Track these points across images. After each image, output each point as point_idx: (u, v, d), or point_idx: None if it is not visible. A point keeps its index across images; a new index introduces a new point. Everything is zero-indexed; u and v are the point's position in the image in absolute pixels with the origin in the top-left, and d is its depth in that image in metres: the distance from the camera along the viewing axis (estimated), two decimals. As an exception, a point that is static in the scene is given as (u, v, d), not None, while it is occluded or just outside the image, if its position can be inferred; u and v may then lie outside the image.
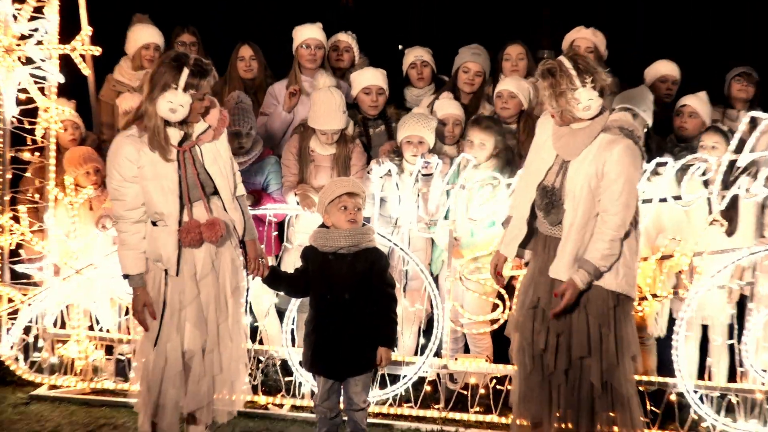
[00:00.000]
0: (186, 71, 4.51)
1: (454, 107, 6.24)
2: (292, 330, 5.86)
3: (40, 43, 6.03)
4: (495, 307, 5.86)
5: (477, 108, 6.54)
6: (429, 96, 6.60)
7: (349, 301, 4.77)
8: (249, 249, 4.89)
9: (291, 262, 5.85)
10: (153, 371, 4.76)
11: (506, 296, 5.78)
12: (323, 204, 4.83)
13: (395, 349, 5.71)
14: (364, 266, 4.76)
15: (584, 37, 6.62)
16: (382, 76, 6.37)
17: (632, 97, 5.89)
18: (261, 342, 6.00)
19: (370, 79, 6.36)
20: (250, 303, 5.79)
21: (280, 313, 6.06)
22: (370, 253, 4.84)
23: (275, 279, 4.95)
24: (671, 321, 5.85)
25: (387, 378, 5.85)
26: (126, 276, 4.74)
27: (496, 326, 5.85)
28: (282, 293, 5.51)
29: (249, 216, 4.92)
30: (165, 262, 4.66)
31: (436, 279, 6.00)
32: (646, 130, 5.81)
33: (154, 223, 4.69)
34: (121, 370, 6.25)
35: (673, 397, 5.72)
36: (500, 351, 5.50)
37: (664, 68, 6.69)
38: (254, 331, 5.93)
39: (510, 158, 5.93)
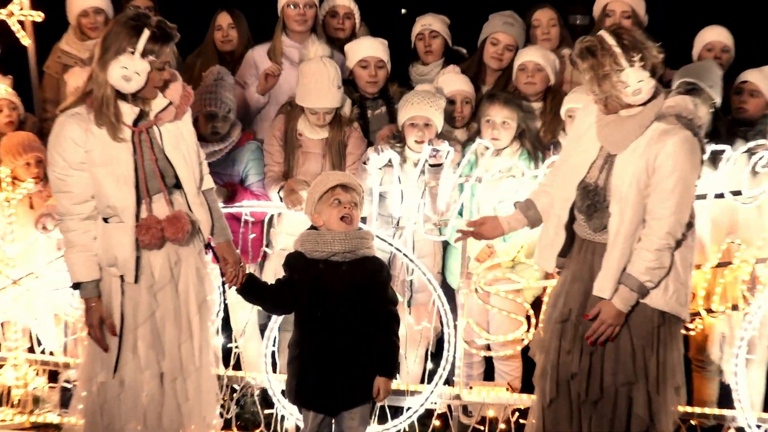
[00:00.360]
0: (146, 33, 4.27)
1: (462, 82, 5.83)
2: (273, 353, 5.44)
3: (-32, 8, 5.58)
4: (519, 324, 5.45)
5: (504, 89, 6.02)
6: (435, 74, 6.13)
7: (342, 318, 4.44)
8: (224, 253, 4.59)
9: (273, 271, 5.46)
10: (109, 402, 4.52)
11: (531, 313, 5.40)
12: (312, 200, 4.52)
13: (397, 376, 5.26)
14: (362, 278, 4.44)
15: (619, 0, 6.12)
16: (383, 47, 5.92)
17: (695, 71, 5.47)
18: (236, 367, 5.61)
19: (367, 49, 5.90)
20: (223, 320, 5.48)
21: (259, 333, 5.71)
22: (369, 263, 4.50)
23: (252, 290, 4.60)
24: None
25: (388, 411, 5.38)
26: (76, 285, 4.47)
27: (519, 347, 5.49)
28: (260, 308, 5.14)
29: (220, 214, 4.64)
30: (120, 266, 4.40)
31: (453, 293, 5.54)
32: (713, 110, 5.39)
33: (105, 220, 4.42)
34: (68, 401, 5.69)
35: (732, 433, 5.21)
36: (529, 378, 5.04)
37: (711, 34, 6.11)
38: (228, 354, 5.57)
39: (534, 142, 5.58)
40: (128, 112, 4.39)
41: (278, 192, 5.47)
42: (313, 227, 4.59)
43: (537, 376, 4.55)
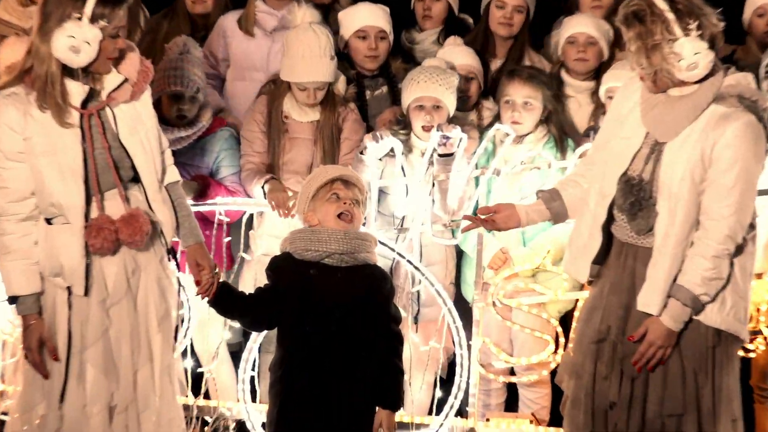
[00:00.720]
0: None
1: (466, 55, 5.56)
2: (252, 378, 5.15)
3: None
4: (545, 344, 5.22)
5: (517, 62, 5.77)
6: (431, 44, 5.91)
7: (335, 335, 4.21)
8: (196, 257, 4.38)
9: (252, 281, 5.10)
10: None
11: (560, 331, 5.19)
12: (306, 196, 4.32)
13: (402, 406, 4.75)
14: (361, 289, 4.24)
15: None
16: (384, 15, 5.63)
17: None
18: (207, 396, 5.33)
19: (366, 17, 5.61)
20: (192, 340, 5.24)
21: (235, 355, 5.42)
22: (370, 272, 4.31)
23: (228, 301, 4.36)
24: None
25: None
26: (13, 299, 4.28)
27: (546, 371, 5.27)
28: (236, 323, 4.91)
29: (188, 211, 4.43)
30: (67, 275, 4.19)
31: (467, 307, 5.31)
32: None
33: (48, 221, 4.21)
34: None
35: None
36: (558, 408, 4.80)
37: None
38: (198, 380, 5.29)
39: (563, 127, 5.40)
40: (76, 91, 4.18)
41: (262, 187, 5.18)
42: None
43: (567, 405, 4.34)
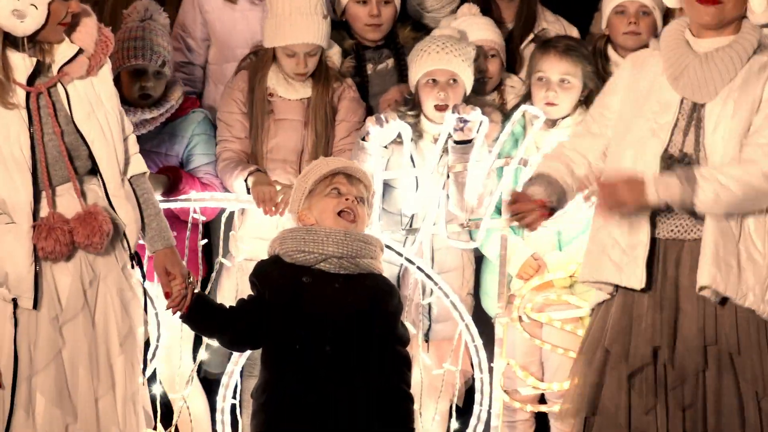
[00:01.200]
0: None
1: (485, 27, 5.30)
2: (233, 406, 4.81)
3: None
4: None
5: (530, 23, 5.46)
6: (449, 12, 5.54)
7: (331, 356, 3.95)
8: (166, 264, 4.15)
9: (232, 291, 4.88)
10: None
11: None
12: (301, 191, 4.13)
13: None
14: (363, 302, 4.01)
15: None
16: None
17: None
18: (178, 429, 4.98)
19: None
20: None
21: (209, 382, 5.11)
22: (374, 283, 4.07)
23: (203, 315, 4.13)
24: None
25: None
26: None
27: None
28: (213, 341, 4.64)
29: (157, 209, 4.21)
30: (13, 285, 3.98)
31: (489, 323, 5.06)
32: None
33: None
34: None
35: None
36: None
37: None
38: (168, 409, 4.95)
39: None
40: (21, 64, 3.93)
41: (244, 180, 4.87)
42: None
43: None
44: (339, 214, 4.02)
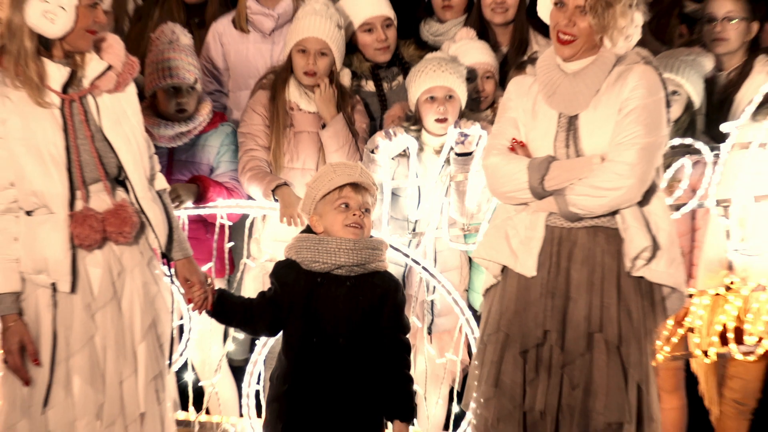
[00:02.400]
0: None
1: (482, 51, 5.44)
2: (257, 392, 5.04)
3: None
4: None
5: (523, 47, 5.64)
6: (453, 35, 5.70)
7: (344, 348, 4.15)
8: (186, 273, 4.32)
9: (255, 289, 5.04)
10: None
11: None
12: (312, 199, 4.24)
13: (414, 422, 4.69)
14: (372, 298, 4.18)
15: None
16: (385, 1, 5.50)
17: None
18: (208, 411, 5.22)
19: (367, 9, 5.46)
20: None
21: (234, 370, 5.38)
22: (382, 281, 4.25)
23: (226, 310, 4.31)
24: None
25: None
26: None
27: None
28: (237, 332, 4.98)
29: (177, 224, 4.36)
30: (52, 270, 4.08)
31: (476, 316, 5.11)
32: None
33: (29, 213, 4.12)
34: None
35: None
36: None
37: None
38: (199, 394, 5.19)
39: None
40: (55, 73, 4.08)
41: (271, 192, 5.06)
42: (309, 230, 4.31)
43: (491, 424, 4.26)
44: (347, 226, 4.19)
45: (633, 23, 4.18)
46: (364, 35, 5.47)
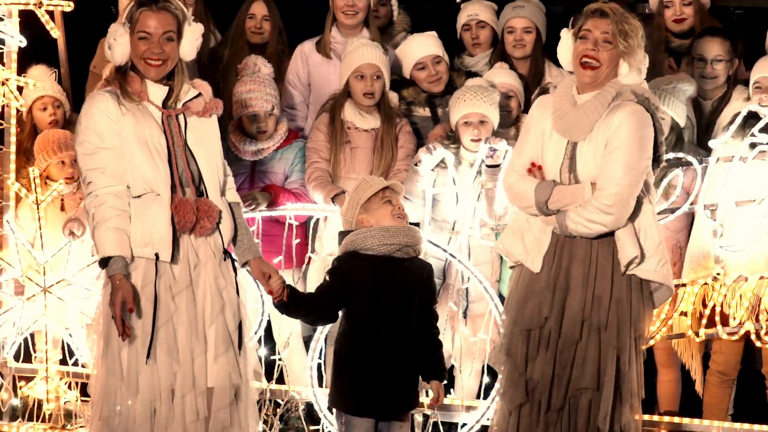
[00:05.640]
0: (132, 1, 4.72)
1: (507, 75, 6.16)
2: (319, 365, 5.69)
3: (-5, -3, 6.06)
4: None
5: (538, 77, 6.35)
6: (484, 66, 6.47)
7: (397, 319, 4.77)
8: (261, 268, 4.82)
9: (317, 279, 5.66)
10: (139, 413, 4.60)
11: None
12: (356, 204, 4.89)
13: (451, 391, 5.66)
14: (420, 277, 4.88)
15: None
16: (434, 41, 6.23)
17: None
18: (280, 380, 5.85)
19: (419, 49, 6.22)
20: (266, 331, 5.76)
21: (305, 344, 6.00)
22: (423, 263, 4.98)
23: (293, 303, 4.88)
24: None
25: (441, 427, 5.67)
26: (104, 263, 4.60)
27: None
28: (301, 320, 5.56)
29: (248, 231, 4.94)
30: (156, 242, 4.62)
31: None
32: None
33: (138, 197, 4.65)
34: None
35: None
36: None
37: None
38: (271, 366, 5.83)
39: None
40: (157, 91, 4.72)
41: (331, 199, 5.75)
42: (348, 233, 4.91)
43: (503, 384, 4.92)
44: (396, 216, 4.84)
45: (645, 58, 4.69)
46: (418, 72, 6.24)
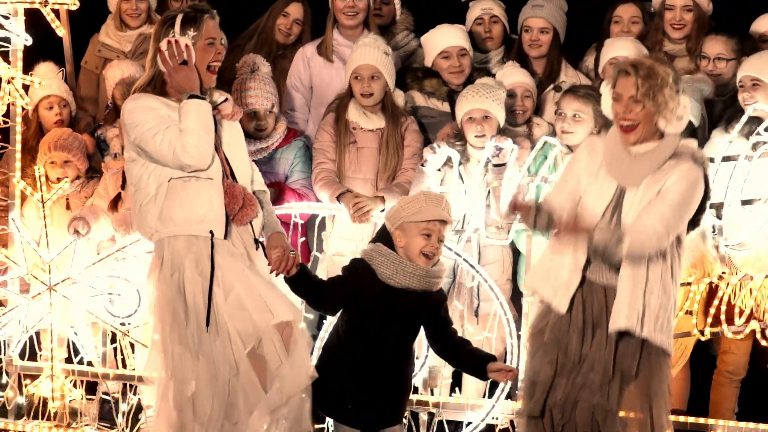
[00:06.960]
0: (179, 17, 4.86)
1: (522, 74, 6.25)
2: None
3: (1, -4, 6.22)
4: None
5: (553, 76, 6.44)
6: (495, 62, 6.58)
7: (395, 337, 4.87)
8: (275, 242, 4.97)
9: (323, 277, 5.63)
10: (202, 390, 4.80)
11: None
12: (400, 216, 4.88)
13: (457, 390, 5.74)
14: (428, 309, 4.93)
15: None
16: (462, 34, 6.35)
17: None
18: None
19: (448, 39, 6.30)
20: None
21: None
22: (435, 298, 4.99)
23: (302, 281, 4.96)
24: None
25: (446, 426, 5.76)
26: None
27: None
28: (307, 312, 5.57)
29: (272, 212, 5.17)
30: (211, 221, 4.87)
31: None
32: None
33: (189, 178, 4.90)
34: (107, 414, 6.16)
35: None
36: None
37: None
38: None
39: None
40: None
41: (336, 198, 5.85)
42: (381, 238, 4.92)
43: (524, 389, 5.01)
44: (424, 255, 4.79)
45: (681, 105, 4.67)
46: (442, 61, 6.30)
